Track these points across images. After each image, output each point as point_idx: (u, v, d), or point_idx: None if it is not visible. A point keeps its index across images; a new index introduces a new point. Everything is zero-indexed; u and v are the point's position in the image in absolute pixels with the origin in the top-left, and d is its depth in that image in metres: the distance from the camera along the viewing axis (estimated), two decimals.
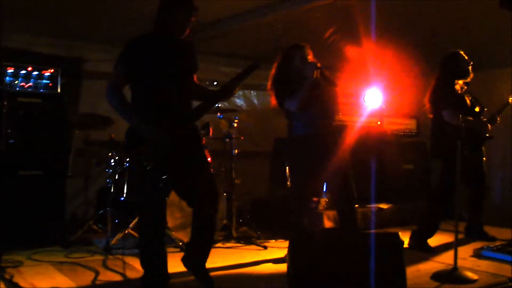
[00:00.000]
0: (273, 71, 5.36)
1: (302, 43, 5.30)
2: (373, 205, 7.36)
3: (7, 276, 4.58)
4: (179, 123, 3.91)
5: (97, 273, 4.82)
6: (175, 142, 3.83)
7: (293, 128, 5.31)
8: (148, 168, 3.83)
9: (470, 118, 5.80)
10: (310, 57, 5.20)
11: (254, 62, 4.06)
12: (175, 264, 4.69)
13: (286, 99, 5.12)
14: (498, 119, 6.11)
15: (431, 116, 6.04)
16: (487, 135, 6.06)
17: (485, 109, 6.17)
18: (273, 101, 5.29)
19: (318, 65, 5.07)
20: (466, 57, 5.98)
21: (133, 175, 5.43)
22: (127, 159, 5.86)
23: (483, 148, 6.23)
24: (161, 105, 3.90)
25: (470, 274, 4.73)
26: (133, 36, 3.95)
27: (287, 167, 5.85)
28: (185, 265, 4.32)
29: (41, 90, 6.04)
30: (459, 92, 5.94)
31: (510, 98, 6.35)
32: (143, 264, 4.09)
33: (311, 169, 5.17)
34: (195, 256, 4.26)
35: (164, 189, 3.96)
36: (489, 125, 6.00)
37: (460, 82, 5.97)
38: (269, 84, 5.32)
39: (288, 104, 5.14)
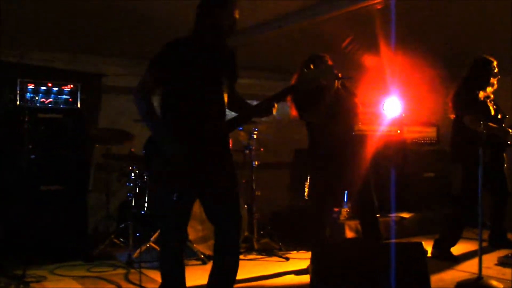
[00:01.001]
0: (293, 82, 5.36)
1: (322, 53, 5.29)
2: (395, 214, 7.32)
3: None
4: (205, 135, 3.70)
5: (119, 287, 4.82)
6: (197, 157, 3.63)
7: (313, 139, 5.30)
8: (165, 182, 3.72)
9: (492, 124, 5.76)
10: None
11: (295, 84, 3.95)
12: (196, 277, 4.71)
13: (306, 110, 5.12)
14: None
15: (452, 116, 5.99)
16: (509, 142, 6.00)
17: (507, 116, 6.12)
18: (293, 112, 5.29)
19: (339, 75, 5.07)
20: (497, 69, 5.92)
21: (151, 188, 5.39)
22: (146, 172, 5.86)
23: (505, 155, 6.18)
24: (188, 114, 3.70)
25: (495, 283, 4.68)
26: (169, 40, 3.75)
27: (308, 178, 5.83)
28: None
29: (61, 106, 6.09)
30: (482, 98, 5.89)
31: None
32: (162, 276, 4.02)
33: (331, 179, 5.17)
34: (221, 284, 3.95)
35: (184, 203, 3.86)
36: (511, 132, 5.95)
37: (488, 89, 5.93)
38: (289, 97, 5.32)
39: (308, 115, 5.14)
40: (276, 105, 3.89)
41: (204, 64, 3.74)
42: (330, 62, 5.23)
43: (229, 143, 4.02)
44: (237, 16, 3.73)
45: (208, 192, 3.84)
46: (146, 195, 5.99)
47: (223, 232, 3.86)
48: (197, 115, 3.71)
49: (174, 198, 3.68)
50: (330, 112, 5.07)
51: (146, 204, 5.96)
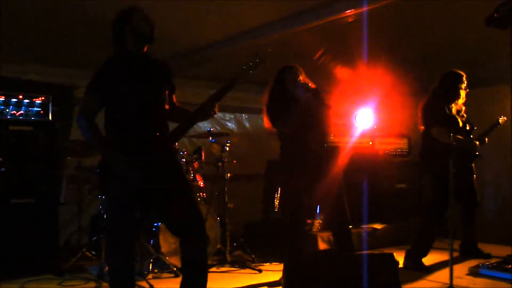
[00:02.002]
0: (266, 93, 5.39)
1: (292, 64, 5.33)
2: (367, 225, 7.36)
3: None
4: (154, 148, 3.73)
5: None
6: (148, 172, 3.65)
7: (285, 149, 5.33)
8: (118, 200, 3.72)
9: (460, 136, 5.84)
10: (302, 78, 5.24)
11: (231, 80, 3.91)
12: None
13: (279, 121, 5.15)
14: (486, 139, 6.20)
15: (421, 128, 6.07)
16: (477, 153, 6.11)
17: (475, 127, 6.21)
18: (266, 123, 5.32)
19: (310, 85, 5.11)
20: (465, 83, 6.00)
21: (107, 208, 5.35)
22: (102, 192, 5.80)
23: (473, 166, 6.26)
24: (133, 129, 3.73)
25: None
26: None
27: (279, 189, 5.85)
28: None
29: (33, 118, 6.05)
30: (452, 111, 5.97)
31: (500, 119, 6.42)
32: None
33: (302, 190, 5.19)
34: None
35: (136, 220, 3.84)
36: (477, 144, 6.06)
37: (459, 102, 6.01)
38: (264, 106, 5.35)
39: (281, 126, 5.18)
40: (217, 106, 3.90)
41: (141, 78, 3.79)
42: (301, 72, 5.27)
43: (176, 153, 4.05)
44: (152, 22, 3.79)
45: (164, 206, 3.84)
46: None
47: (187, 244, 3.84)
48: (141, 130, 3.74)
49: (132, 216, 3.69)
50: (302, 122, 5.11)
51: None
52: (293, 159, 5.24)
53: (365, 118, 8.14)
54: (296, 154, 5.21)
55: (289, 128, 5.16)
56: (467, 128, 6.09)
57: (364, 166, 7.66)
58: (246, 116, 9.10)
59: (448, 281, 4.76)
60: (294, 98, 5.15)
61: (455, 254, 5.59)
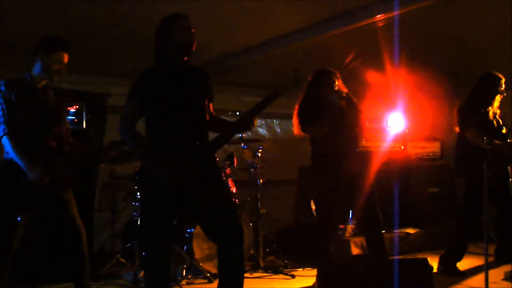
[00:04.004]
0: (300, 96, 5.39)
1: (331, 69, 5.32)
2: (399, 230, 7.31)
3: None
4: (194, 156, 3.75)
5: None
6: (189, 178, 3.69)
7: (317, 155, 5.33)
8: (157, 206, 3.75)
9: (496, 140, 5.77)
10: (338, 83, 5.23)
11: (272, 92, 3.95)
12: None
13: (310, 126, 5.15)
14: None
15: (456, 129, 6.00)
16: None
17: None
18: (296, 129, 5.31)
19: (343, 93, 5.11)
20: (503, 84, 5.93)
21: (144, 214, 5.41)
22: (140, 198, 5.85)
23: (509, 169, 6.18)
24: (174, 137, 3.77)
25: None
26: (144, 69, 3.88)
27: (312, 194, 5.84)
28: None
29: (67, 127, 6.11)
30: (490, 114, 5.90)
31: None
32: None
33: (334, 194, 5.18)
34: None
35: (172, 227, 3.87)
36: None
37: (494, 105, 5.94)
38: (295, 109, 5.35)
39: (312, 131, 5.17)
40: (256, 118, 3.92)
41: (183, 87, 3.82)
42: (338, 77, 5.26)
43: (216, 161, 4.07)
44: (192, 32, 3.80)
45: (203, 213, 3.87)
46: None
47: (224, 250, 3.85)
48: (181, 138, 3.77)
49: (169, 223, 3.72)
50: (333, 128, 5.10)
51: None
52: (324, 163, 5.23)
53: (396, 122, 8.10)
54: (328, 158, 5.21)
55: (320, 134, 5.16)
56: (503, 131, 6.01)
57: (396, 171, 7.62)
58: (277, 122, 9.12)
59: (483, 286, 4.70)
60: (327, 103, 5.14)
61: (490, 259, 5.51)
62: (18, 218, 4.28)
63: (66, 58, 4.44)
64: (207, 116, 3.98)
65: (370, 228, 5.28)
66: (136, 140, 3.79)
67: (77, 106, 6.20)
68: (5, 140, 4.22)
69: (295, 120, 5.34)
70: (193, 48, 3.83)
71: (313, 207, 6.15)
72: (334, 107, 5.08)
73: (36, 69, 4.41)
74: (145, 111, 3.82)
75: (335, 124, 5.11)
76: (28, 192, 4.25)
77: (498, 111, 6.05)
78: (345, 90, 5.23)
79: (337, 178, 5.16)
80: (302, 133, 5.30)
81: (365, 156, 5.76)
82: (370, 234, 5.33)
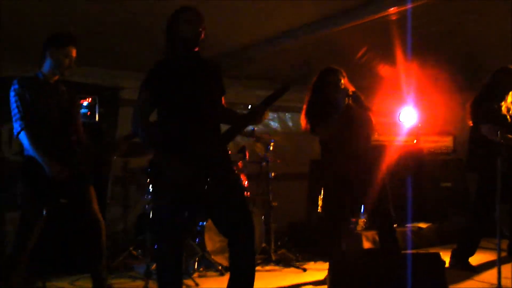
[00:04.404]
0: (307, 95, 5.39)
1: (336, 67, 5.31)
2: (412, 225, 7.30)
3: None
4: (205, 149, 3.75)
5: None
6: (199, 172, 3.70)
7: (326, 154, 5.33)
8: (169, 199, 3.77)
9: (509, 135, 5.73)
10: (344, 81, 5.22)
11: (283, 85, 3.93)
12: (214, 287, 4.74)
13: (317, 126, 5.15)
14: None
15: (470, 123, 5.96)
16: None
17: None
18: (304, 125, 5.32)
19: (350, 91, 5.10)
20: None
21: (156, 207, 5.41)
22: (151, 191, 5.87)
23: None
24: (185, 130, 3.78)
25: None
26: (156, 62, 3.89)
27: (321, 191, 5.84)
28: None
29: (80, 121, 6.14)
30: (503, 109, 5.85)
31: None
32: None
33: (345, 193, 5.19)
34: None
35: (185, 220, 3.90)
36: None
37: (508, 100, 5.89)
38: (303, 110, 5.35)
39: (319, 131, 5.18)
40: (267, 111, 3.91)
41: (195, 80, 3.82)
42: (344, 76, 5.25)
43: (228, 155, 4.07)
44: (200, 26, 3.78)
45: (215, 207, 3.87)
46: None
47: (236, 244, 3.86)
48: (194, 131, 3.77)
49: (186, 215, 3.73)
50: (341, 127, 5.10)
51: None
52: (334, 163, 5.24)
53: (409, 116, 8.08)
54: (336, 158, 5.21)
55: (327, 135, 5.17)
56: None
57: (409, 165, 7.61)
58: (289, 115, 9.11)
59: (495, 282, 4.69)
60: (333, 103, 5.13)
61: (503, 254, 5.49)
62: (44, 212, 4.34)
63: (74, 52, 4.48)
64: (219, 108, 3.99)
65: (382, 222, 5.28)
66: (149, 133, 3.79)
67: (89, 99, 6.22)
68: (22, 136, 4.27)
69: (303, 120, 5.34)
70: (200, 40, 3.81)
71: (320, 202, 6.16)
72: (341, 106, 5.07)
73: (47, 66, 4.45)
74: (156, 104, 3.83)
75: (343, 123, 5.09)
76: (50, 187, 4.30)
77: (511, 106, 6.00)
78: (351, 88, 5.22)
79: (345, 174, 5.15)
80: (309, 131, 5.31)
81: (377, 150, 5.72)
82: (382, 228, 5.33)
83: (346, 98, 5.08)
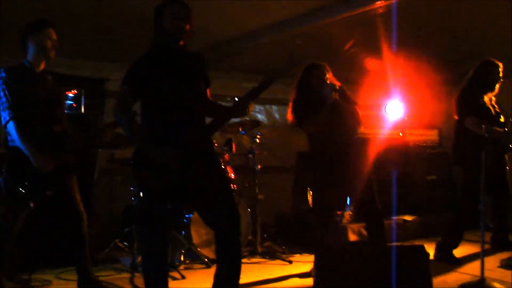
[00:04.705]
0: (293, 91, 5.40)
1: (319, 63, 5.32)
2: (397, 217, 7.34)
3: None
4: (189, 140, 3.73)
5: None
6: (184, 163, 3.68)
7: (314, 148, 5.34)
8: (152, 190, 3.77)
9: (494, 128, 5.78)
10: (329, 76, 5.23)
11: (268, 78, 3.91)
12: (201, 281, 4.75)
13: (304, 121, 5.16)
14: None
15: (455, 117, 6.00)
16: (510, 145, 6.01)
17: (510, 119, 6.12)
18: (290, 120, 5.34)
19: (337, 86, 5.11)
20: (501, 71, 5.92)
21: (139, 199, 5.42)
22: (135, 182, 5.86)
23: (507, 157, 6.19)
24: (168, 122, 3.76)
25: (498, 285, 4.69)
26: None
27: (311, 184, 5.86)
28: None
29: (66, 111, 6.11)
30: (487, 102, 5.90)
31: None
32: (146, 283, 3.99)
33: (332, 183, 5.20)
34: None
35: (169, 212, 3.89)
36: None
37: (492, 92, 5.94)
38: (289, 105, 5.36)
39: (306, 126, 5.19)
40: (252, 104, 3.90)
41: (178, 72, 3.82)
42: (328, 71, 5.27)
43: (213, 146, 4.09)
44: (185, 19, 3.77)
45: (200, 198, 3.87)
46: None
47: (222, 236, 3.87)
48: (177, 123, 3.76)
49: (166, 207, 3.74)
50: (329, 122, 5.11)
51: None
52: (322, 157, 5.25)
53: (395, 109, 8.11)
54: (324, 152, 5.22)
55: (314, 129, 5.18)
56: (502, 119, 6.01)
57: (394, 158, 7.64)
58: (276, 108, 9.11)
59: (479, 274, 4.72)
60: (320, 98, 5.14)
61: (486, 246, 5.54)
62: (31, 205, 4.33)
63: (54, 34, 4.49)
64: (203, 101, 3.98)
65: (369, 215, 5.30)
66: (131, 126, 3.78)
67: (75, 91, 6.20)
68: (10, 126, 4.25)
69: (289, 116, 5.35)
70: (185, 33, 3.80)
71: (309, 195, 6.17)
72: (327, 101, 5.08)
73: (31, 53, 4.46)
74: (138, 97, 3.83)
75: (329, 117, 5.11)
76: (36, 179, 4.28)
77: (494, 98, 6.05)
78: (337, 83, 5.23)
79: (335, 169, 5.17)
80: (296, 125, 5.32)
81: (363, 143, 5.75)
82: (370, 221, 5.36)
83: (333, 93, 5.09)
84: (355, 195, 5.34)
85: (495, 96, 6.02)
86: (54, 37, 4.49)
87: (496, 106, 6.04)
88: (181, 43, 3.86)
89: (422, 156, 8.34)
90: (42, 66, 4.52)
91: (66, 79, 6.65)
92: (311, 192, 5.77)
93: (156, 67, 3.79)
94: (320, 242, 5.29)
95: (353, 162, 5.15)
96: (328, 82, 5.17)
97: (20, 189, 4.31)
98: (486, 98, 5.91)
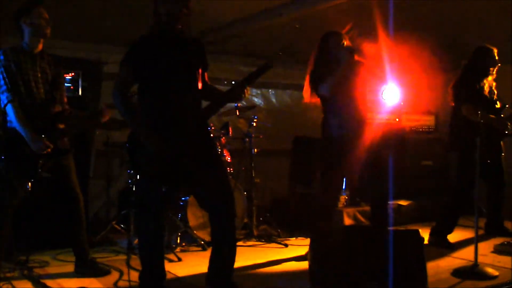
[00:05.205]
0: (311, 57, 5.39)
1: (337, 31, 5.35)
2: (392, 202, 7.36)
3: (35, 276, 4.71)
4: (185, 124, 3.78)
5: (121, 273, 4.88)
6: (179, 147, 3.73)
7: (329, 127, 5.30)
8: (148, 174, 3.82)
9: (491, 115, 5.81)
10: (346, 42, 5.25)
11: (266, 63, 3.89)
12: (197, 263, 4.78)
13: (320, 84, 5.15)
14: None
15: (452, 104, 6.03)
16: (506, 132, 6.04)
17: (507, 105, 6.14)
18: (306, 95, 5.32)
19: (353, 49, 5.11)
20: (496, 57, 5.94)
21: (136, 180, 5.43)
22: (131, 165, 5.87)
23: (502, 144, 6.22)
24: (165, 105, 3.80)
25: (491, 270, 4.73)
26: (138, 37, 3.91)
27: (321, 165, 5.83)
28: (211, 285, 4.00)
29: (65, 93, 6.11)
30: (486, 88, 5.92)
31: None
32: (143, 263, 4.03)
33: (343, 167, 5.22)
34: (220, 272, 3.98)
35: (165, 194, 3.92)
36: (508, 123, 5.98)
37: (489, 78, 5.96)
38: (307, 77, 5.35)
39: (322, 89, 5.16)
40: (248, 88, 3.93)
41: (175, 56, 3.85)
42: (346, 38, 5.27)
43: (209, 130, 4.11)
44: (179, 3, 3.77)
45: (196, 182, 3.92)
46: None
47: (217, 218, 3.91)
48: (174, 106, 3.80)
49: (164, 190, 3.76)
50: (344, 85, 5.12)
51: None
52: (337, 137, 5.23)
53: (392, 94, 8.11)
54: (340, 132, 5.20)
55: (329, 91, 5.13)
56: (498, 105, 6.04)
57: (390, 143, 7.65)
58: (273, 92, 9.09)
59: (472, 259, 4.76)
60: (336, 61, 5.15)
61: (480, 232, 5.58)
62: (28, 186, 4.35)
63: (45, 12, 4.50)
64: (200, 84, 3.99)
65: (377, 197, 5.35)
66: (128, 108, 3.82)
67: (73, 74, 6.18)
68: (9, 108, 4.26)
69: (306, 81, 5.34)
70: (180, 18, 3.81)
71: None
72: (344, 63, 5.08)
73: (26, 34, 4.48)
74: (136, 79, 3.86)
75: (345, 81, 5.13)
76: (33, 160, 4.31)
77: (494, 83, 6.06)
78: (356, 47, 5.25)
79: (349, 152, 5.17)
80: (313, 99, 5.32)
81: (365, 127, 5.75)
82: (374, 204, 5.40)
83: (350, 56, 5.10)
84: (353, 177, 5.36)
85: (495, 80, 6.04)
86: (46, 15, 4.50)
87: (495, 92, 6.06)
88: (178, 26, 3.86)
89: (418, 141, 8.35)
90: (40, 47, 4.53)
91: (64, 61, 6.62)
92: (322, 177, 5.71)
93: (153, 50, 3.81)
94: (316, 226, 5.30)
95: (358, 145, 5.15)
96: (345, 45, 5.19)
97: (17, 170, 4.34)
98: (486, 85, 5.93)
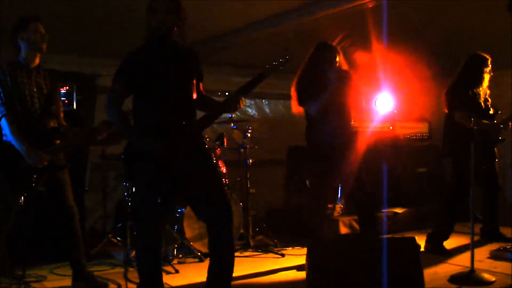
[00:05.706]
0: (301, 67, 5.38)
1: (332, 44, 5.34)
2: (388, 210, 7.38)
3: None
4: (180, 135, 3.76)
5: (119, 286, 4.89)
6: (175, 157, 3.71)
7: (313, 134, 5.31)
8: (144, 184, 3.81)
9: (484, 121, 5.84)
10: (340, 59, 5.24)
11: (260, 73, 3.90)
12: (194, 274, 4.78)
13: (308, 102, 5.15)
14: (510, 124, 6.08)
15: (446, 110, 6.06)
16: (500, 138, 6.07)
17: (499, 112, 6.18)
18: (294, 104, 5.32)
19: (344, 72, 5.11)
20: (490, 66, 5.98)
21: (133, 192, 5.42)
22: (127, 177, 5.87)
23: (496, 150, 6.25)
24: (160, 116, 3.78)
25: (487, 276, 4.75)
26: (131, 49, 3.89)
27: (307, 173, 5.85)
28: None
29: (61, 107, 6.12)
30: (480, 95, 5.96)
31: None
32: (141, 275, 4.03)
33: (332, 175, 5.22)
34: (219, 282, 3.90)
35: (162, 205, 3.92)
36: (501, 128, 6.01)
37: (483, 86, 5.99)
38: (293, 82, 5.34)
39: (309, 107, 5.17)
40: (243, 99, 3.93)
41: (170, 66, 3.83)
42: (339, 53, 5.27)
43: (204, 141, 4.11)
44: (169, 14, 3.76)
45: (192, 192, 3.91)
46: None
47: (214, 230, 3.89)
48: (168, 118, 3.78)
49: (159, 201, 3.76)
50: (330, 108, 5.12)
51: None
52: (320, 143, 5.24)
53: (385, 102, 8.14)
54: (324, 139, 5.21)
55: (315, 111, 5.15)
56: (491, 112, 6.07)
57: (385, 151, 7.68)
58: (266, 102, 9.12)
59: (469, 265, 4.78)
60: (326, 80, 5.14)
61: (476, 237, 5.60)
62: (21, 200, 4.36)
63: (41, 27, 4.53)
64: (195, 95, 3.99)
65: (363, 207, 5.34)
66: (123, 121, 3.82)
67: (67, 87, 6.20)
68: (3, 122, 4.27)
69: (293, 93, 5.34)
70: (169, 28, 3.79)
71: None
72: (332, 85, 5.08)
73: (23, 49, 4.50)
74: (130, 91, 3.85)
75: (331, 104, 5.12)
76: (28, 175, 4.31)
77: (488, 91, 6.10)
78: (346, 66, 5.24)
79: (334, 158, 5.18)
80: (300, 109, 5.31)
81: (357, 136, 5.77)
82: (361, 212, 5.39)
83: (340, 78, 5.09)
84: (347, 186, 5.37)
85: (488, 88, 6.08)
86: (42, 29, 4.53)
87: (489, 99, 6.09)
88: (172, 37, 3.87)
89: (412, 149, 8.39)
90: (37, 61, 4.56)
91: (58, 75, 6.63)
92: (310, 185, 5.71)
93: (148, 61, 3.80)
94: (312, 235, 5.31)
95: (349, 155, 5.16)
96: (336, 66, 5.18)
97: (12, 184, 4.34)
98: (481, 92, 5.97)
